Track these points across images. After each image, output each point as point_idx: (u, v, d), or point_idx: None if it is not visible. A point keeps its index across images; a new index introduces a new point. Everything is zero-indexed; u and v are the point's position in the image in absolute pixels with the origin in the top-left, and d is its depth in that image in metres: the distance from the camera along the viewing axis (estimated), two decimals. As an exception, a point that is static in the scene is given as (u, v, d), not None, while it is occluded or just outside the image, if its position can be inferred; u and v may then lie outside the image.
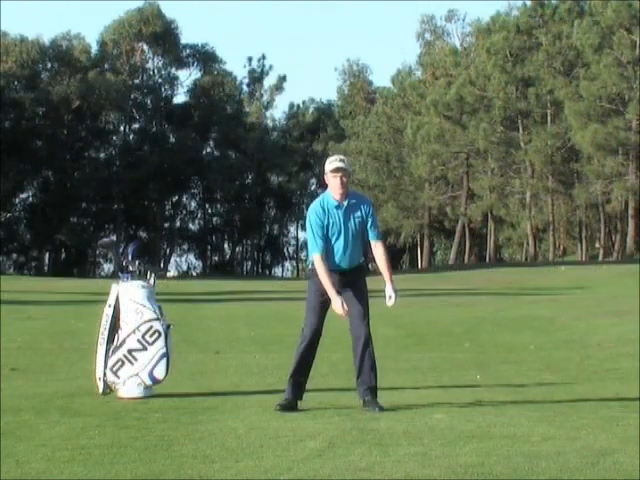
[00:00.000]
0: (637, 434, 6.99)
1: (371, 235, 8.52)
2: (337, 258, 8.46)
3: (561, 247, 73.91)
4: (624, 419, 7.75)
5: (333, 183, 8.38)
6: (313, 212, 8.41)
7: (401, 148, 75.55)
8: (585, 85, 59.43)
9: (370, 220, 8.48)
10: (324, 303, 8.48)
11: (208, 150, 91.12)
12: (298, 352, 8.62)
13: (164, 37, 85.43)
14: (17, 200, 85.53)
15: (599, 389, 10.31)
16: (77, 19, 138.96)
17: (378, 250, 8.57)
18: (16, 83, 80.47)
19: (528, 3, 68.08)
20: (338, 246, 8.45)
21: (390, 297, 8.57)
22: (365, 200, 8.63)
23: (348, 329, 8.59)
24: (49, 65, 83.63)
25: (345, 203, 8.42)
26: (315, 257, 8.36)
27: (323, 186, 8.67)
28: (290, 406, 8.35)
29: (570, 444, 6.64)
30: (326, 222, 8.38)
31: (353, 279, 8.51)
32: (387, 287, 8.56)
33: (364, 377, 8.45)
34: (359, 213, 8.46)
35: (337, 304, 8.25)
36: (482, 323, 20.00)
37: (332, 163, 8.43)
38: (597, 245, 72.10)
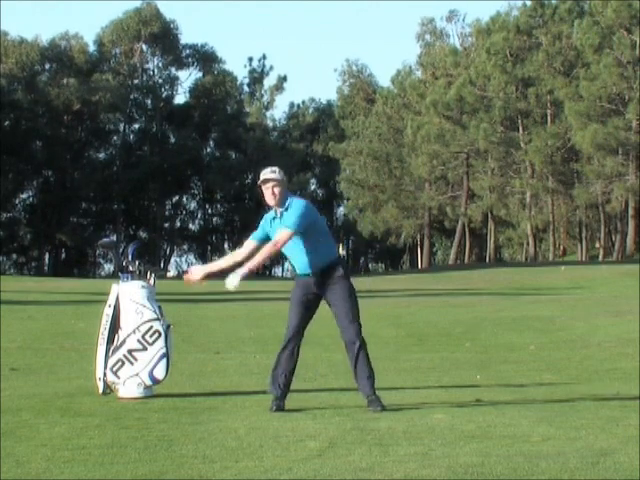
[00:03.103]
0: (637, 434, 6.98)
1: (284, 221, 8.46)
2: (296, 265, 8.54)
3: (561, 247, 73.91)
4: (624, 419, 7.75)
5: (266, 194, 8.48)
6: (264, 218, 8.69)
7: (401, 148, 75.56)
8: (585, 85, 59.45)
9: (289, 212, 8.42)
10: (307, 302, 8.47)
11: (208, 150, 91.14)
12: (279, 352, 8.58)
13: (163, 37, 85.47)
14: (17, 200, 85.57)
15: (599, 389, 10.31)
16: (75, 20, 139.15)
17: (278, 233, 8.47)
18: (16, 84, 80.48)
19: (528, 3, 68.09)
20: (289, 254, 8.54)
21: (228, 279, 8.54)
22: (295, 201, 8.48)
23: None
24: (47, 66, 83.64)
25: (281, 212, 8.49)
26: (247, 241, 8.83)
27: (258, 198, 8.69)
28: (279, 406, 8.34)
29: (570, 444, 6.64)
30: (269, 232, 8.55)
31: (328, 280, 8.42)
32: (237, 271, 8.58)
33: (362, 387, 8.44)
34: (286, 216, 8.46)
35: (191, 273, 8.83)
36: (482, 323, 19.99)
37: (262, 175, 8.52)
38: (597, 245, 72.11)
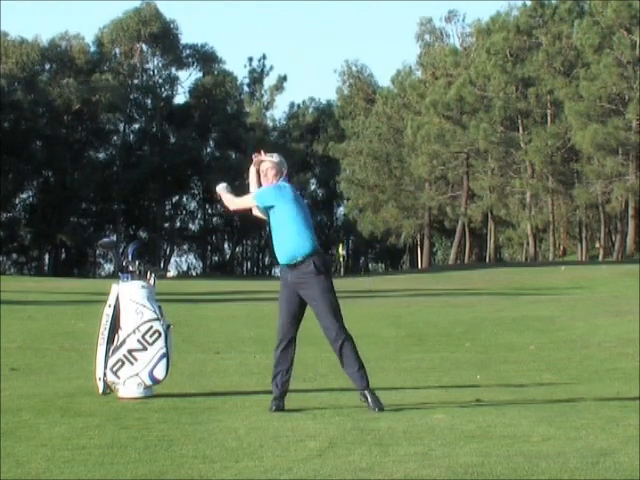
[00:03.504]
0: (637, 434, 6.99)
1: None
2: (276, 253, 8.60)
3: (561, 247, 73.90)
4: (624, 419, 7.75)
5: (261, 177, 8.71)
6: None
7: (401, 148, 75.56)
8: (585, 85, 59.44)
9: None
10: (290, 297, 8.45)
11: (208, 150, 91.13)
12: (273, 351, 8.62)
13: (163, 37, 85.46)
14: (17, 200, 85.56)
15: (599, 389, 10.31)
16: (75, 20, 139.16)
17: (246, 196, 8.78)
18: (16, 84, 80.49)
19: (528, 3, 68.09)
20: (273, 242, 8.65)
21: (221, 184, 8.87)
22: (277, 183, 8.60)
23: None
24: (47, 66, 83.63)
25: None
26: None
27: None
28: (278, 406, 8.35)
29: (570, 444, 6.64)
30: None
31: (303, 275, 8.36)
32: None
33: (354, 382, 8.44)
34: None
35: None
36: (482, 323, 19.99)
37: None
38: (597, 245, 72.10)
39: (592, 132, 58.08)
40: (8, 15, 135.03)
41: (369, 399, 8.30)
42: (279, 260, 8.53)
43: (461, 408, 8.46)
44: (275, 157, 8.65)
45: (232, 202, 8.84)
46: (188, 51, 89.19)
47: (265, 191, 8.53)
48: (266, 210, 8.52)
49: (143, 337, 9.29)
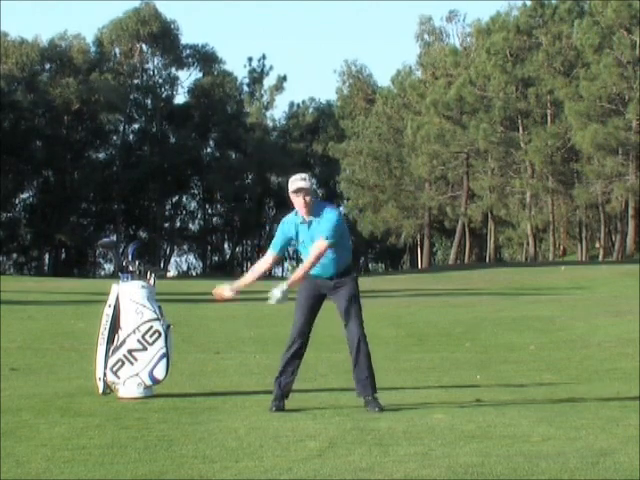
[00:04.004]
0: (637, 434, 6.99)
1: (320, 232, 8.43)
2: (319, 267, 8.52)
3: (561, 247, 73.88)
4: (624, 419, 7.75)
5: (297, 203, 8.45)
6: (284, 222, 8.60)
7: (401, 148, 75.54)
8: (585, 85, 59.43)
9: (323, 223, 8.40)
10: (313, 302, 8.52)
11: (208, 150, 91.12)
12: (284, 352, 8.60)
13: (163, 37, 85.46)
14: (17, 200, 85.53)
15: (599, 389, 10.31)
16: (75, 20, 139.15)
17: (316, 244, 8.42)
18: (16, 84, 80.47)
19: (528, 3, 68.07)
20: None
21: (271, 293, 8.39)
22: (329, 212, 8.46)
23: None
24: (48, 66, 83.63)
25: (310, 219, 8.45)
26: (267, 253, 8.66)
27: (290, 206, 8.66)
28: (278, 406, 8.35)
29: (570, 444, 6.64)
30: (294, 236, 8.52)
31: (340, 284, 8.50)
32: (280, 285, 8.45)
33: (359, 388, 8.47)
34: (321, 226, 8.44)
35: (221, 289, 8.59)
36: (482, 323, 19.99)
37: (294, 183, 8.45)
38: (597, 245, 72.09)
39: (592, 132, 58.07)
40: (8, 15, 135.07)
41: (368, 402, 8.34)
42: (328, 272, 8.49)
43: (461, 408, 8.47)
44: (308, 181, 8.44)
45: (305, 268, 8.49)
46: (188, 51, 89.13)
47: (336, 226, 8.38)
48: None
49: (143, 337, 9.30)
